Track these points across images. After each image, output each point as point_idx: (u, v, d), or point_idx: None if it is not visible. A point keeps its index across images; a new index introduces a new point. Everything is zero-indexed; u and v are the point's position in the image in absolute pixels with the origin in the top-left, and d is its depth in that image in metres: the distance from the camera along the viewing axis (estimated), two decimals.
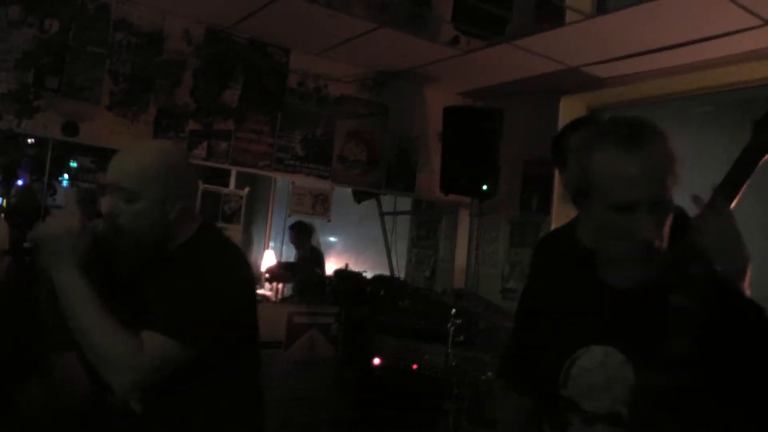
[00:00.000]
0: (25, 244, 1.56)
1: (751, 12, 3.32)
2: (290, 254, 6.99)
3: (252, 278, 1.81)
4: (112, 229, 1.62)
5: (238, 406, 1.72)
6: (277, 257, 7.12)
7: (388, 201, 6.17)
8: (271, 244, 7.48)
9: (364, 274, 5.28)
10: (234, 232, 6.35)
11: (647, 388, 1.20)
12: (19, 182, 6.67)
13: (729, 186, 1.38)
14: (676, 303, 1.19)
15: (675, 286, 1.21)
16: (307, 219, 5.96)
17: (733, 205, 1.37)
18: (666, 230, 1.23)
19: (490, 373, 3.76)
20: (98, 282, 1.77)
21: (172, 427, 1.65)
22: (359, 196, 5.86)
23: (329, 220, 5.40)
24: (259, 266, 6.94)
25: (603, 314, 1.29)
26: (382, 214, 6.17)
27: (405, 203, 6.24)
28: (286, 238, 6.91)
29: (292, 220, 6.21)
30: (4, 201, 6.39)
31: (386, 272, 5.90)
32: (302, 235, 6.29)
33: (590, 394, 1.25)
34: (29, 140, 7.02)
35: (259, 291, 6.03)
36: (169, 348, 1.51)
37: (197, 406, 1.66)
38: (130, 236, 1.64)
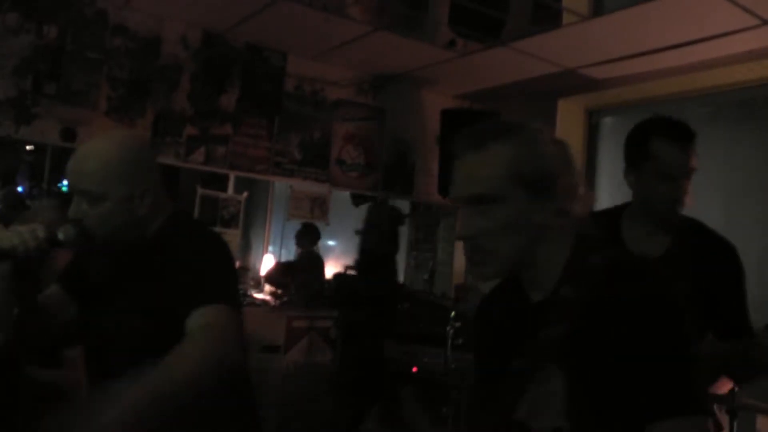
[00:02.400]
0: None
1: (748, 11, 3.32)
2: (290, 258, 6.97)
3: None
4: (80, 235, 1.48)
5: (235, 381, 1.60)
6: (276, 261, 7.10)
7: None
8: (270, 248, 7.46)
9: None
10: (232, 237, 6.34)
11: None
12: (19, 189, 6.66)
13: None
14: (561, 295, 1.17)
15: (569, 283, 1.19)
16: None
17: None
18: (498, 225, 1.18)
19: None
20: (78, 289, 1.69)
21: None
22: (357, 200, 5.86)
23: (328, 224, 5.40)
24: (258, 271, 6.93)
25: (527, 328, 1.25)
26: None
27: (403, 206, 6.23)
28: (285, 242, 6.89)
29: (290, 224, 6.20)
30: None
31: None
32: (301, 238, 6.27)
33: (536, 414, 1.23)
34: (27, 147, 7.01)
35: (258, 296, 6.01)
36: (224, 312, 1.43)
37: None
38: (101, 239, 1.53)
